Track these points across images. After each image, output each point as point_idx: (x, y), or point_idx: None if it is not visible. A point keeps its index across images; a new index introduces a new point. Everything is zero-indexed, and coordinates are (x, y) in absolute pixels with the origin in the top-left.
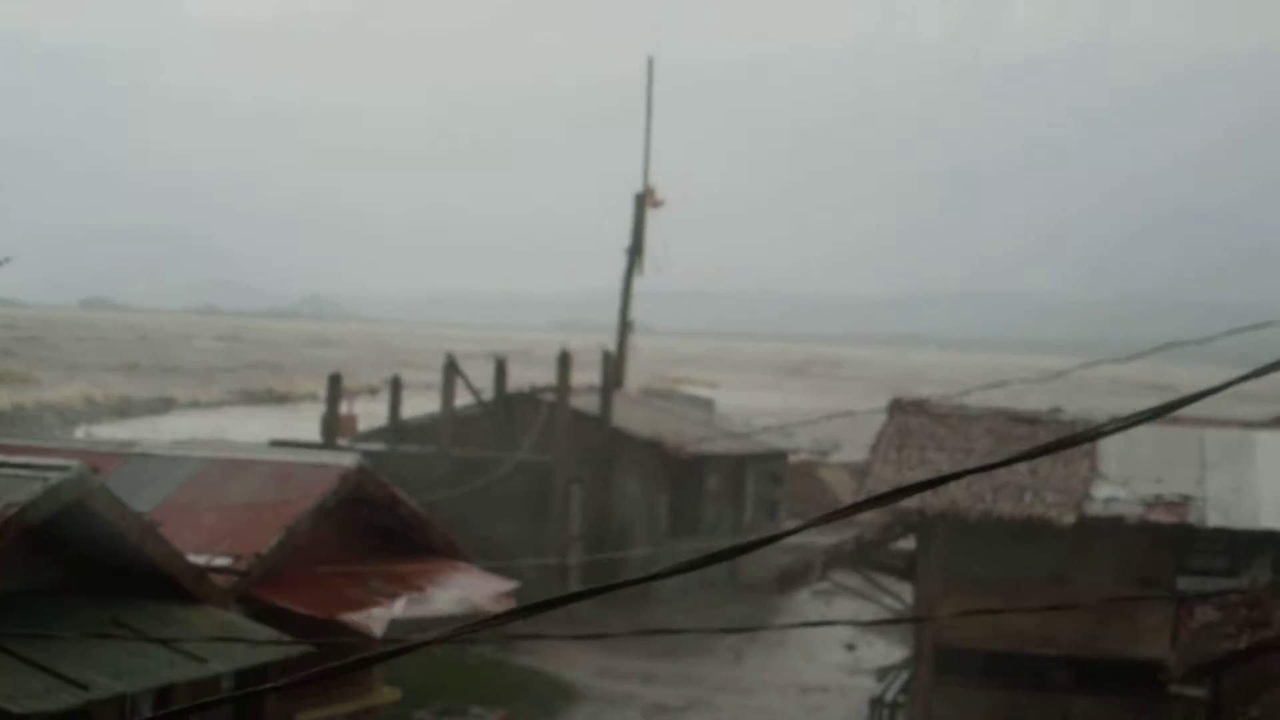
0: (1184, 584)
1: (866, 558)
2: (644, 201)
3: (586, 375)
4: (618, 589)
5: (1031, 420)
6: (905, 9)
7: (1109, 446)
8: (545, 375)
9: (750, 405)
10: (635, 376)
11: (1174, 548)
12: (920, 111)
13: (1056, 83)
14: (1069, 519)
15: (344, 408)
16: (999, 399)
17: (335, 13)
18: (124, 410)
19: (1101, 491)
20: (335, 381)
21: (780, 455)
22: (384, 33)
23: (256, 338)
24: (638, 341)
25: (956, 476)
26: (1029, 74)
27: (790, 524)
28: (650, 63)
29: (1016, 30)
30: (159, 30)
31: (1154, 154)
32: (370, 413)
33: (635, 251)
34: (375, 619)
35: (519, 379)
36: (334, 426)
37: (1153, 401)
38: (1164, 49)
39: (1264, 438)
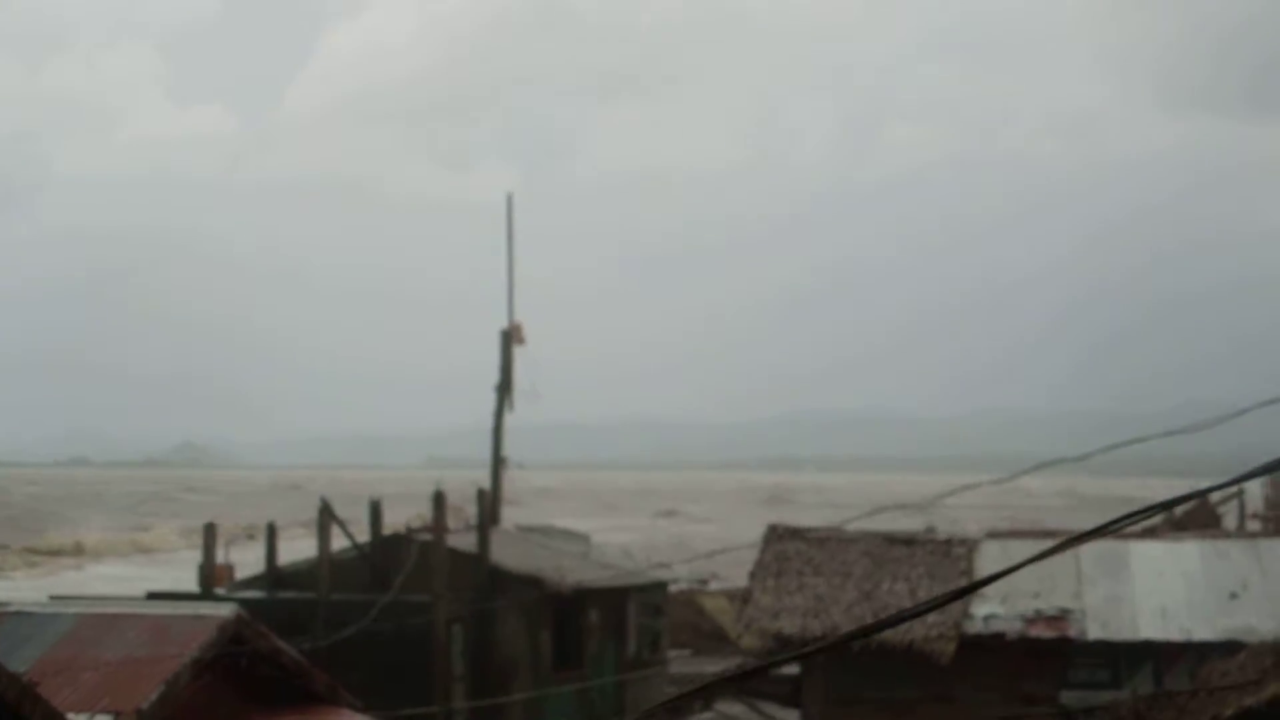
0: (1068, 698)
1: (750, 686)
2: (510, 338)
3: (463, 513)
4: None
5: (908, 541)
6: (784, 132)
7: (986, 563)
8: (422, 513)
9: (624, 537)
10: (511, 513)
11: (1056, 662)
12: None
13: (923, 197)
14: (949, 649)
15: (220, 555)
16: (877, 521)
17: (200, 152)
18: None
19: (981, 609)
20: (210, 529)
21: (660, 586)
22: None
23: (124, 488)
24: (512, 477)
25: (900, 617)
26: (899, 188)
27: (672, 655)
28: (510, 199)
29: (891, 148)
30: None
31: (1020, 261)
32: (246, 560)
33: (504, 388)
34: None
35: (397, 518)
36: (211, 575)
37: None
38: (1032, 161)
39: (1138, 548)
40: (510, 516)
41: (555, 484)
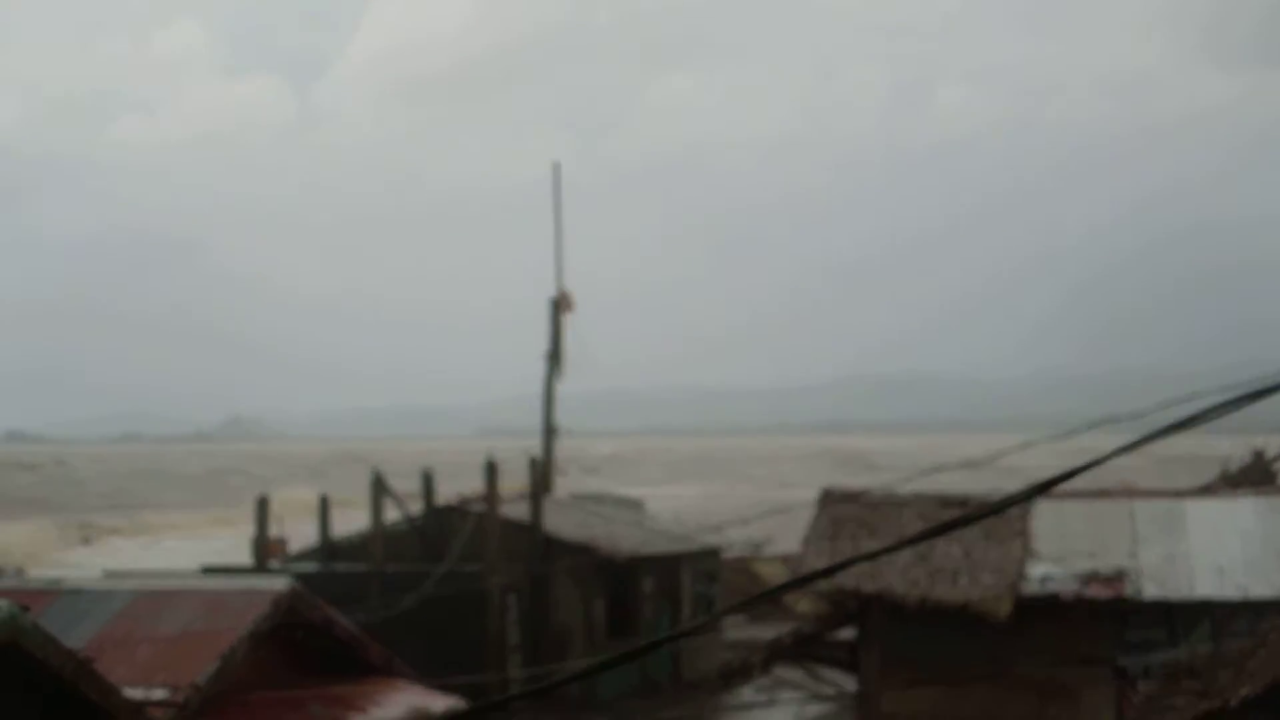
0: (1124, 659)
1: (807, 650)
2: (559, 306)
3: (516, 482)
4: (558, 687)
5: (963, 502)
6: (831, 103)
7: (1042, 524)
8: (475, 485)
9: (680, 503)
10: (563, 481)
11: (1112, 623)
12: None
13: (975, 163)
14: (1005, 609)
15: (273, 529)
16: (936, 483)
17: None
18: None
19: (1036, 570)
20: (263, 504)
21: (714, 553)
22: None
23: (179, 466)
24: (563, 445)
25: (878, 554)
26: (949, 156)
27: (727, 621)
28: (557, 168)
29: (943, 113)
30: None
31: (1067, 227)
32: (301, 533)
33: (553, 356)
34: None
35: (449, 490)
36: (264, 549)
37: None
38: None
39: (1193, 506)
40: (568, 485)
41: (610, 450)
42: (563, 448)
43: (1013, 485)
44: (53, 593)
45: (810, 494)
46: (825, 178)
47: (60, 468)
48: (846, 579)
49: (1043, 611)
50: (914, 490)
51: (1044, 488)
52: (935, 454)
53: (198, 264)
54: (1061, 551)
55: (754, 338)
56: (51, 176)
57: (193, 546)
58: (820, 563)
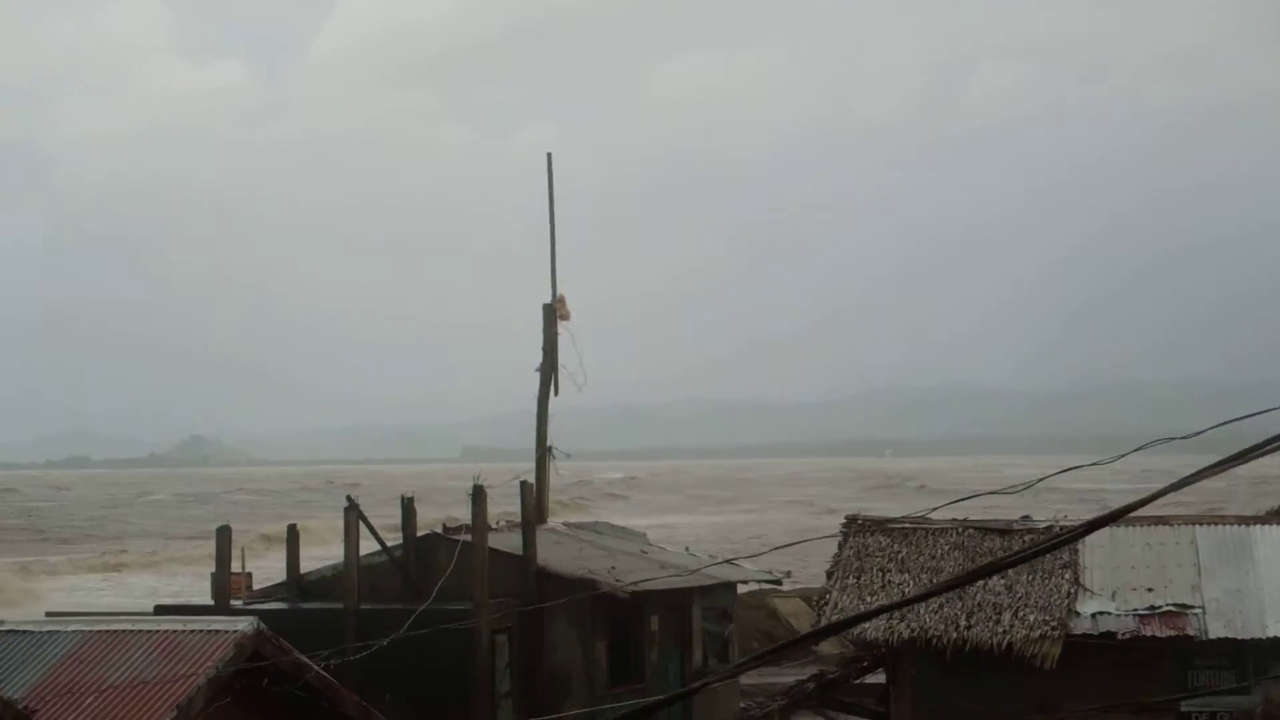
0: (1187, 705)
1: (831, 697)
2: (553, 313)
3: (505, 509)
4: None
5: (1003, 531)
6: (859, 85)
7: (1093, 554)
8: (459, 512)
9: (691, 532)
10: (558, 507)
11: (1173, 664)
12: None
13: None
14: (1054, 650)
15: (235, 564)
16: (972, 507)
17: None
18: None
19: (1088, 606)
20: (224, 534)
21: (728, 587)
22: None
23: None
24: (558, 469)
25: (923, 598)
26: (986, 144)
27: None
28: (550, 159)
29: (982, 98)
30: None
31: (1115, 220)
32: (265, 567)
33: (547, 369)
34: None
35: (431, 518)
36: (225, 586)
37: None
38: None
39: (1262, 533)
40: (572, 514)
41: (618, 474)
42: (563, 471)
43: (1055, 507)
44: None
45: (836, 521)
46: (853, 170)
47: (9, 494)
48: (876, 618)
49: (1095, 652)
50: (949, 516)
51: (1117, 516)
52: (974, 474)
53: (148, 269)
54: (1116, 585)
55: (773, 348)
56: None
57: (154, 582)
58: (845, 599)
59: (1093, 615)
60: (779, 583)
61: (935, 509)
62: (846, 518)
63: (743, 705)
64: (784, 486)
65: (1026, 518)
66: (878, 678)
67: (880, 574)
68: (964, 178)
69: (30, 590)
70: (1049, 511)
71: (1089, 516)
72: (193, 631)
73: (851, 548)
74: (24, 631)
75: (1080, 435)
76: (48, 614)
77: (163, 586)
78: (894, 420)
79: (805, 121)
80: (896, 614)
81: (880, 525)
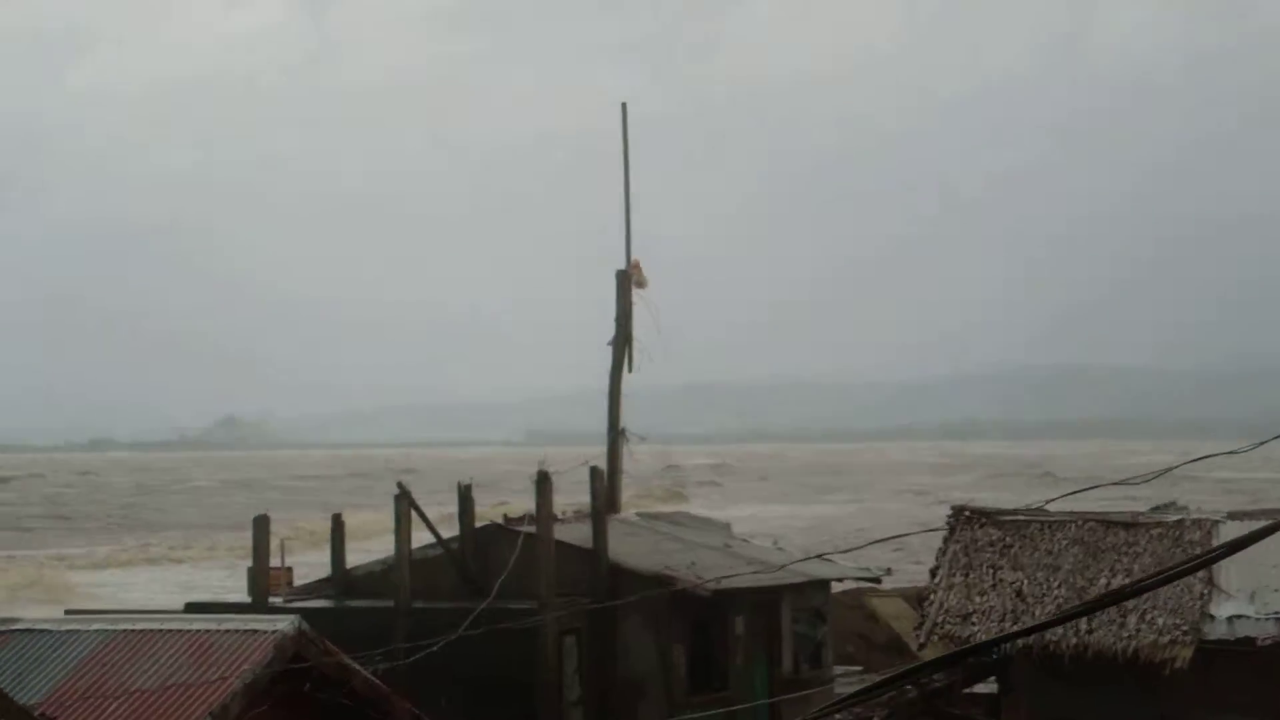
0: None
1: (937, 708)
2: (628, 280)
3: (572, 498)
4: None
5: (1129, 524)
6: (957, 32)
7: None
8: (522, 500)
9: (777, 524)
10: (632, 496)
11: None
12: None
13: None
14: (1185, 656)
15: (275, 557)
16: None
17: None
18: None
19: (1223, 609)
20: (262, 524)
21: (821, 585)
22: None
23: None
24: (632, 452)
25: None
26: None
27: (838, 670)
28: (624, 108)
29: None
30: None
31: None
32: (308, 561)
33: (621, 342)
34: None
35: (490, 506)
36: (263, 581)
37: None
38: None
39: None
40: (632, 499)
41: (688, 458)
42: (638, 456)
43: (1190, 498)
44: (2, 634)
45: (942, 513)
46: (955, 114)
47: (34, 480)
48: (986, 621)
49: (1232, 659)
50: (1067, 508)
51: (1261, 536)
52: (1101, 462)
53: (173, 242)
54: (1255, 585)
55: (874, 322)
56: None
57: (195, 575)
58: (951, 598)
59: (1229, 619)
60: (878, 580)
61: (1053, 500)
62: (953, 508)
63: (838, 717)
64: (889, 474)
65: (1168, 507)
66: (990, 688)
67: (990, 571)
68: (1099, 150)
69: (70, 584)
70: (1187, 500)
71: (1229, 509)
72: (227, 631)
73: (958, 542)
74: (41, 631)
75: (1225, 420)
76: (67, 612)
77: (204, 579)
78: (1014, 401)
79: (898, 57)
80: (1010, 617)
81: (991, 517)
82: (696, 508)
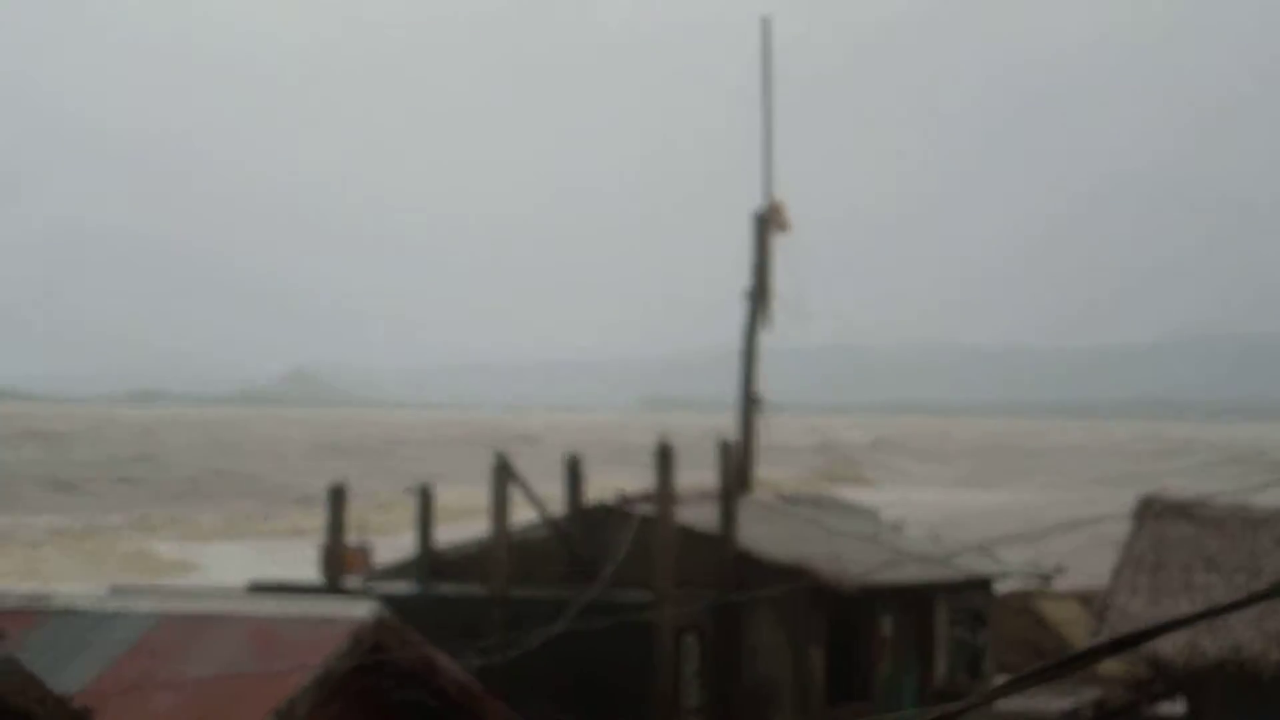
0: None
1: None
2: (766, 223)
3: (695, 474)
4: None
5: None
6: None
7: None
8: (630, 475)
9: (933, 512)
10: (769, 473)
11: None
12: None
13: None
14: None
15: (351, 534)
16: None
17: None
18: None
19: None
20: (338, 496)
21: (983, 584)
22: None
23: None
24: (768, 423)
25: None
26: None
27: (999, 681)
28: (766, 24)
29: None
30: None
31: None
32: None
33: (758, 295)
34: None
35: (598, 483)
36: (338, 561)
37: None
38: None
39: None
40: (767, 478)
41: (831, 432)
42: (774, 427)
43: None
44: (38, 614)
45: (1127, 502)
46: (1160, 53)
47: (95, 437)
48: (1170, 637)
49: None
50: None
51: None
52: None
53: (226, 179)
54: None
55: (1036, 277)
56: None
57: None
58: (1135, 604)
59: None
60: (1048, 580)
61: (1254, 488)
62: (1141, 499)
63: None
64: (1072, 456)
65: None
66: (1177, 708)
67: (1182, 573)
68: None
69: (152, 556)
70: None
71: None
72: (297, 618)
73: (1146, 538)
74: (83, 612)
75: None
76: (113, 589)
77: (289, 554)
78: (1219, 375)
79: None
80: (1203, 628)
81: (1184, 510)
82: (842, 489)
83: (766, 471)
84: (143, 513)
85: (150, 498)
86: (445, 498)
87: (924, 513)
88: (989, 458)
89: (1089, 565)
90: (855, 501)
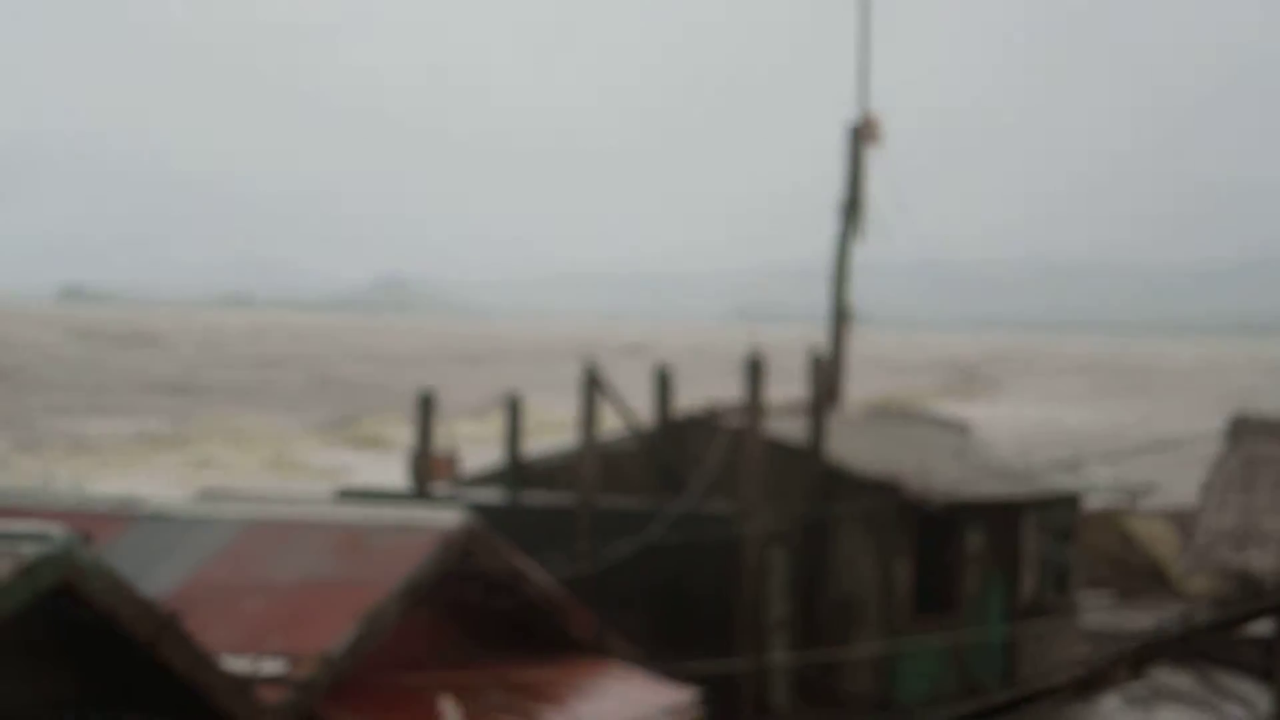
0: None
1: (1201, 648)
2: (860, 136)
3: (785, 388)
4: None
5: None
6: None
7: None
8: (722, 387)
9: (1024, 429)
10: (859, 388)
11: None
12: None
13: None
14: None
15: (441, 440)
16: None
17: None
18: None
19: None
20: (427, 403)
21: (1070, 500)
22: None
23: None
24: (858, 337)
25: None
26: None
27: (1087, 598)
28: None
29: None
30: None
31: None
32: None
33: (851, 208)
34: None
35: (687, 393)
36: (426, 468)
37: None
38: None
39: None
40: (857, 392)
41: (922, 347)
42: (869, 342)
43: None
44: (126, 518)
45: (1216, 421)
46: None
47: (188, 338)
48: (1264, 548)
49: None
50: None
51: None
52: None
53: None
54: None
55: (1126, 190)
56: None
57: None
58: (1225, 520)
59: None
60: (1137, 498)
61: None
62: (1233, 418)
63: (1083, 652)
64: (1180, 376)
65: None
66: (1265, 628)
67: (1273, 490)
68: None
69: (297, 459)
70: None
71: None
72: (384, 525)
73: (1238, 457)
74: (170, 517)
75: None
76: (202, 493)
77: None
78: None
79: None
80: None
81: (1277, 429)
82: (935, 405)
83: (874, 384)
84: (277, 416)
85: (262, 404)
86: (540, 411)
87: (1017, 430)
88: (1099, 375)
89: (1180, 485)
90: (971, 418)
